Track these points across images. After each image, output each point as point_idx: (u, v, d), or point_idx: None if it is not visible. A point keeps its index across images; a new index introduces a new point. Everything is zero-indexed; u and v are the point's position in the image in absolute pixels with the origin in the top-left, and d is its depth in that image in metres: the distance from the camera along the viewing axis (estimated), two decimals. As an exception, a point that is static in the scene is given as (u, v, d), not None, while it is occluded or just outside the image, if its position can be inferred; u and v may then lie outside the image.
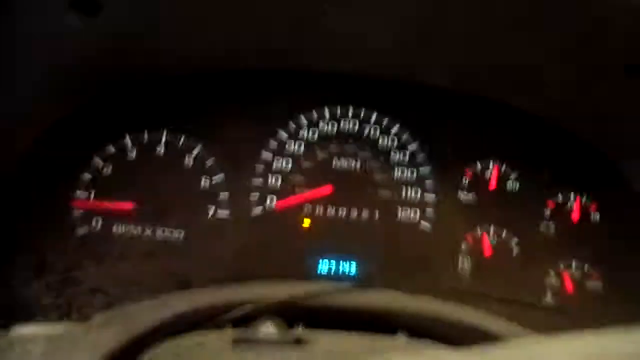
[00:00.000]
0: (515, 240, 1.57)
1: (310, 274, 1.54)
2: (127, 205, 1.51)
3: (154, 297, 1.24)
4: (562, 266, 1.55)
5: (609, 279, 1.55)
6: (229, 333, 1.00)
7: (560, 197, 1.59)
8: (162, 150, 1.56)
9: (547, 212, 1.59)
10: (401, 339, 1.14)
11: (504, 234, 1.57)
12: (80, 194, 1.51)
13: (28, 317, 1.36)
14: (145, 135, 1.56)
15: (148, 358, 0.96)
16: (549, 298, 1.54)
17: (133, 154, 1.55)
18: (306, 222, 1.57)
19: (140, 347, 1.05)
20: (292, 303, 1.14)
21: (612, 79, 1.29)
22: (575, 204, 1.59)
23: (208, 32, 1.37)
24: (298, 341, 0.92)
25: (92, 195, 1.52)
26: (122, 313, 1.14)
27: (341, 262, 1.55)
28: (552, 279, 1.55)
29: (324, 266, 1.55)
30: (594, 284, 1.55)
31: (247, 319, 1.11)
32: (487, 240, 1.56)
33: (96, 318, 1.12)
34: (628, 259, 1.55)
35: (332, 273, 1.54)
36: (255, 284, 1.34)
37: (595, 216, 1.59)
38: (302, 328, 1.15)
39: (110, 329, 1.06)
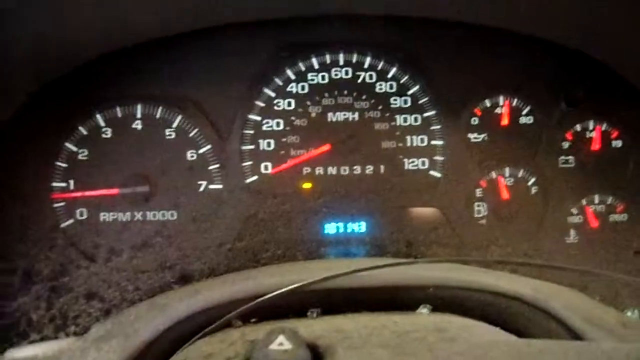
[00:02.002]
0: (533, 179, 1.45)
1: (318, 238, 1.44)
2: (113, 192, 1.39)
3: (152, 298, 1.15)
4: (584, 201, 1.45)
5: (634, 209, 1.45)
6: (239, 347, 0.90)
7: (578, 127, 1.46)
8: (140, 126, 1.41)
9: (566, 144, 1.46)
10: (425, 314, 1.07)
11: (520, 174, 1.46)
12: (58, 185, 1.38)
13: (21, 335, 1.28)
14: (118, 111, 1.40)
15: None
16: (572, 236, 1.45)
17: (108, 133, 1.40)
18: (307, 185, 1.45)
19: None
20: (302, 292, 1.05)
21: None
22: (595, 133, 1.46)
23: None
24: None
25: (72, 185, 1.39)
26: (121, 322, 1.06)
27: (349, 223, 1.45)
28: (574, 216, 1.45)
29: (331, 229, 1.45)
30: (619, 216, 1.45)
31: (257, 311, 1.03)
32: (503, 182, 1.45)
33: (94, 330, 1.04)
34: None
35: (340, 234, 1.45)
36: (260, 271, 1.25)
37: (617, 143, 1.46)
38: (317, 314, 1.08)
39: (110, 344, 0.98)
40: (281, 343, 0.82)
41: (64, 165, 1.39)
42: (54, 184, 1.38)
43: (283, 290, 1.02)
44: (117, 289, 1.35)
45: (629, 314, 1.28)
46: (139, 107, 1.41)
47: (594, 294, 1.24)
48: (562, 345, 0.84)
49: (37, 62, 1.27)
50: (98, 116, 1.40)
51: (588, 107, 1.46)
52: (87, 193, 1.39)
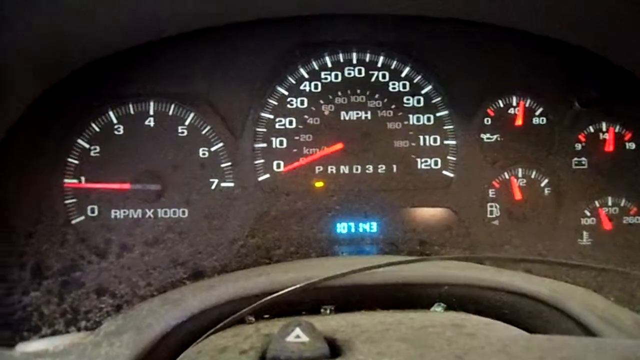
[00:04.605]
0: (546, 180, 1.45)
1: (330, 237, 1.43)
2: (124, 186, 1.39)
3: (165, 293, 1.15)
4: (597, 203, 1.45)
5: (648, 211, 1.45)
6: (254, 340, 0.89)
7: (591, 128, 1.46)
8: (153, 123, 1.41)
9: (579, 146, 1.46)
10: (441, 312, 1.06)
11: (533, 175, 1.45)
12: (69, 181, 1.38)
13: (32, 329, 1.27)
14: (130, 108, 1.40)
15: None
16: (585, 238, 1.44)
17: (120, 130, 1.40)
18: (319, 184, 1.45)
19: (157, 355, 0.96)
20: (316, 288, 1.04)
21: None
22: (608, 134, 1.45)
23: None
24: (335, 353, 0.81)
25: (83, 182, 1.38)
26: (134, 317, 1.05)
27: (361, 223, 1.44)
28: (588, 218, 1.45)
29: (343, 228, 1.44)
30: (632, 218, 1.45)
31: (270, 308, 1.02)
32: (516, 183, 1.45)
33: (106, 324, 1.03)
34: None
35: (353, 233, 1.44)
36: (274, 268, 1.24)
37: (631, 145, 1.46)
38: (330, 311, 1.07)
39: (121, 338, 0.97)
40: (298, 335, 0.81)
41: (75, 161, 1.39)
42: (66, 180, 1.38)
43: (298, 286, 1.01)
44: (129, 284, 1.34)
45: (644, 314, 1.28)
46: (151, 104, 1.41)
47: (608, 295, 1.23)
48: (582, 341, 0.83)
49: (50, 58, 1.27)
50: (110, 113, 1.40)
51: (601, 108, 1.45)
52: (99, 185, 1.38)
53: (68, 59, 1.33)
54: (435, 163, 1.45)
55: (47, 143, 1.38)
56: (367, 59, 1.45)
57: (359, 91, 1.45)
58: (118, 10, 1.20)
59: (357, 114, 1.44)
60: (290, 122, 1.44)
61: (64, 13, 1.12)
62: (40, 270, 1.32)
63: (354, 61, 1.45)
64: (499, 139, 1.46)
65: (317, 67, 1.45)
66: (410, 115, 1.45)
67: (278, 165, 1.44)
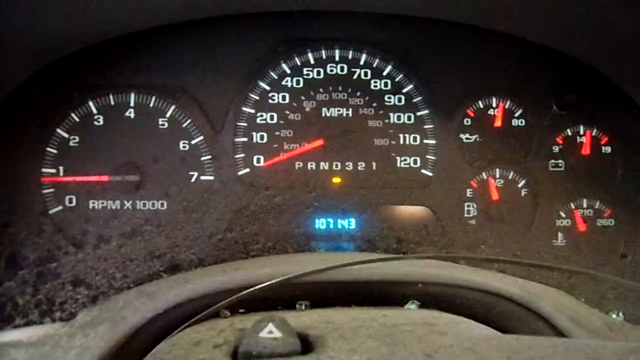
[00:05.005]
0: (523, 181, 1.47)
1: (309, 232, 1.44)
2: (103, 178, 1.38)
3: (141, 286, 1.15)
4: (573, 205, 1.47)
5: (621, 214, 1.47)
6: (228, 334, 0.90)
7: (569, 131, 1.48)
8: (133, 114, 1.40)
9: (556, 148, 1.48)
10: (414, 309, 1.07)
11: (510, 175, 1.47)
12: (47, 171, 1.37)
13: (5, 319, 1.27)
14: (111, 99, 1.40)
15: None
16: (560, 239, 1.47)
17: (100, 120, 1.40)
18: (299, 179, 1.45)
19: (132, 347, 0.97)
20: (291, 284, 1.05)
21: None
22: (585, 138, 1.48)
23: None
24: (306, 349, 0.82)
25: (62, 172, 1.38)
26: (109, 308, 1.05)
27: (339, 219, 1.45)
28: (563, 219, 1.47)
29: (321, 224, 1.45)
30: (606, 221, 1.47)
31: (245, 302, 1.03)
32: (494, 183, 1.46)
33: (81, 316, 1.03)
34: (640, 193, 1.48)
35: (331, 229, 1.45)
36: (250, 262, 1.24)
37: (607, 149, 1.48)
38: (305, 307, 1.08)
39: (96, 330, 0.97)
40: (271, 331, 0.82)
41: (54, 151, 1.38)
42: (44, 170, 1.37)
43: (274, 281, 1.02)
44: (105, 276, 1.34)
45: (613, 316, 1.30)
46: (132, 95, 1.40)
47: (579, 296, 1.25)
48: (550, 342, 0.85)
49: (30, 47, 1.26)
50: (90, 103, 1.39)
51: (579, 112, 1.47)
52: (77, 178, 1.38)
53: (50, 48, 1.32)
54: (415, 162, 1.46)
55: (26, 132, 1.37)
56: (350, 57, 1.46)
57: (340, 88, 1.45)
58: (102, 0, 1.19)
59: (338, 110, 1.45)
60: (272, 117, 1.44)
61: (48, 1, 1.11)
62: (16, 260, 1.32)
63: (337, 58, 1.46)
64: (478, 139, 1.47)
65: (299, 63, 1.45)
66: (391, 114, 1.46)
67: (258, 160, 1.44)
